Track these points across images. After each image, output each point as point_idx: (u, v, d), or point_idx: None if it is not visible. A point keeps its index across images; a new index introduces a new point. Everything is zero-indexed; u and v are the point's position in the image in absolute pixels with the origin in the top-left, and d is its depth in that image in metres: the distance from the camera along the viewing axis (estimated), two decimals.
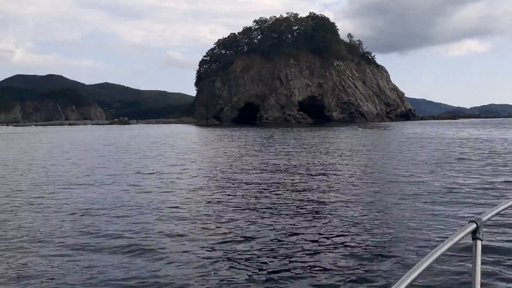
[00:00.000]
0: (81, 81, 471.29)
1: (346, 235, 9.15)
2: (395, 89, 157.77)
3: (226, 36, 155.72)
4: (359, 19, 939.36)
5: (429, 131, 62.34)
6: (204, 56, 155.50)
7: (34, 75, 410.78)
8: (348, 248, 8.25)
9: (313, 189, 14.93)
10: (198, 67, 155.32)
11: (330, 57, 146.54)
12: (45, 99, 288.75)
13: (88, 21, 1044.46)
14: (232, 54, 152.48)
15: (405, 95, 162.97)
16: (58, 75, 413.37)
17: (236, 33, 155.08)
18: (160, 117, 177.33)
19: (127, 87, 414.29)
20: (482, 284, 1.88)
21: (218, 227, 10.10)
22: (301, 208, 11.93)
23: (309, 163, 23.04)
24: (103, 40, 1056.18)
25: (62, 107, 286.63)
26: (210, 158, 28.22)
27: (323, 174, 18.80)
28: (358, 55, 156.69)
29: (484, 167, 19.75)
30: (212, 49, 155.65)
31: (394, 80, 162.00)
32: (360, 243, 8.53)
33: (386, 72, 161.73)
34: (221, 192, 14.79)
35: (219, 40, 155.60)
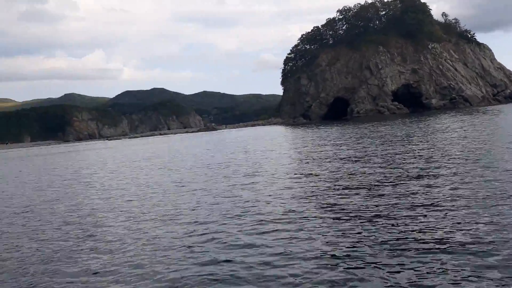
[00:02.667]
0: (181, 92, 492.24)
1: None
2: (501, 68, 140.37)
3: (309, 31, 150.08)
4: None
5: None
6: (288, 54, 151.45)
7: (140, 90, 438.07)
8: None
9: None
10: (283, 66, 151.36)
11: (423, 40, 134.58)
12: (148, 111, 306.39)
13: (185, 35, 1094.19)
14: (316, 48, 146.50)
15: None
16: (161, 88, 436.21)
17: (320, 26, 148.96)
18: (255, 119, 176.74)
19: (224, 93, 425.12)
20: None
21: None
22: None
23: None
24: (200, 50, 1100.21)
25: (164, 118, 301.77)
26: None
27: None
28: (455, 35, 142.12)
29: None
30: (296, 46, 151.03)
31: (500, 59, 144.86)
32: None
33: (490, 50, 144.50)
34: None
35: (302, 35, 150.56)
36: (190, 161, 31.33)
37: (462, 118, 55.57)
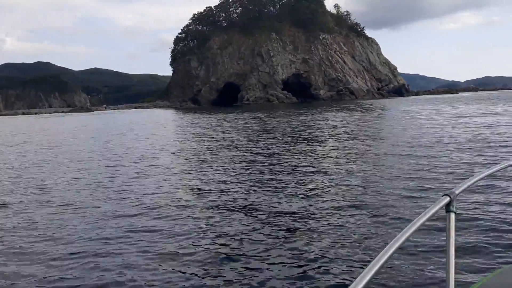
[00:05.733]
0: (71, 68, 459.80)
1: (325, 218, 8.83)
2: (386, 63, 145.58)
3: (202, 10, 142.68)
4: None
5: None
6: (179, 34, 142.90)
7: (22, 63, 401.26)
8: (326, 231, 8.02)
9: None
10: (173, 46, 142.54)
11: (315, 30, 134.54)
12: (28, 87, 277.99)
13: (81, 7, 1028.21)
14: (209, 30, 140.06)
15: (398, 71, 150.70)
16: (46, 62, 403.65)
17: (213, 7, 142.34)
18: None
19: (117, 71, 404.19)
20: (456, 256, 1.89)
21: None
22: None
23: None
24: (96, 25, 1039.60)
25: (45, 95, 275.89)
26: None
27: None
28: (346, 28, 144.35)
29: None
30: (187, 25, 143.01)
31: (387, 56, 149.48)
32: (337, 224, 8.35)
33: (377, 45, 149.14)
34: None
35: (194, 15, 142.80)
36: None
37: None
